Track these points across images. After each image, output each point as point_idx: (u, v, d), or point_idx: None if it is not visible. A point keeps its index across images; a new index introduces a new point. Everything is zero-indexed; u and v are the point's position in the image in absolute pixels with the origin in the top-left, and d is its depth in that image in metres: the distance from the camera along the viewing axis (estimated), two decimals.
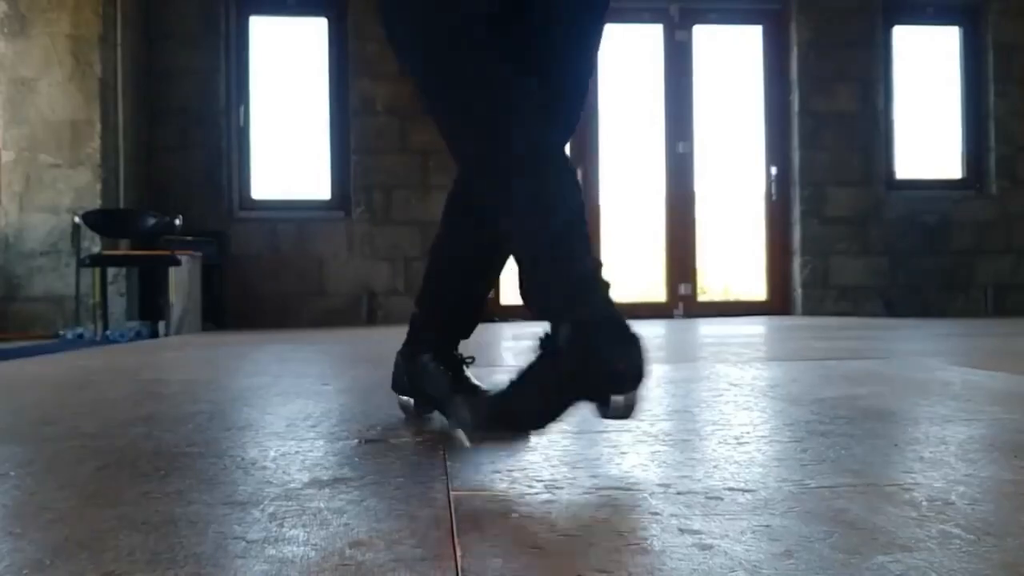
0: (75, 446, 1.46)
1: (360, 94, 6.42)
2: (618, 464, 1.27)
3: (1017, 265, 6.90)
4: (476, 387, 1.56)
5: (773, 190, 6.92)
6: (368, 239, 6.40)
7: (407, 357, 1.66)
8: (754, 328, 5.12)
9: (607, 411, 1.14)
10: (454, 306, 1.64)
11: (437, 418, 1.66)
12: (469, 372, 1.61)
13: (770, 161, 6.96)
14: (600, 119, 6.75)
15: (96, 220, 5.35)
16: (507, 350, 3.67)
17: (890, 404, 1.81)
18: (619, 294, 1.21)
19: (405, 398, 1.68)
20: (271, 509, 1.00)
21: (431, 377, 1.59)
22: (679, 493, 1.06)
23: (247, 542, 0.87)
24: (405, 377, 1.67)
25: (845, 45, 6.80)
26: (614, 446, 1.40)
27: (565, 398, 1.15)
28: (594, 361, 1.11)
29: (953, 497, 1.01)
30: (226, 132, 6.38)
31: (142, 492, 1.10)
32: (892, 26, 6.98)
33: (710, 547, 0.83)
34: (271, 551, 0.84)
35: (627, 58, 6.89)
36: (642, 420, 1.61)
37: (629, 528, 0.91)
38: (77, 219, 5.28)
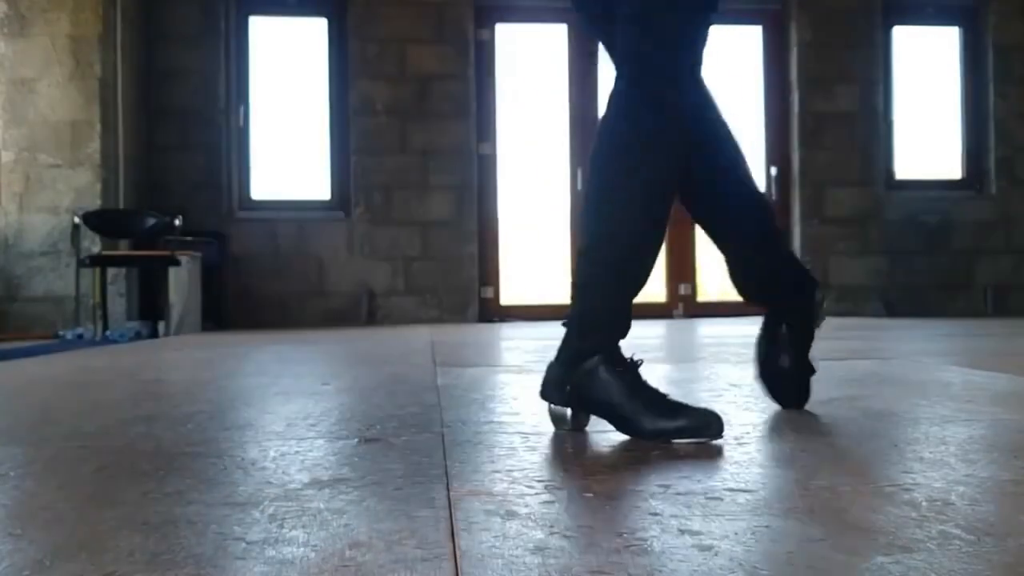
0: (75, 446, 1.46)
1: (360, 94, 6.41)
2: (618, 464, 1.27)
3: (1017, 265, 6.90)
4: (661, 394, 1.46)
5: (773, 190, 6.92)
6: (368, 239, 6.40)
7: (567, 364, 1.51)
8: (754, 328, 5.10)
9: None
10: (628, 296, 1.51)
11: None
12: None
13: (770, 161, 6.95)
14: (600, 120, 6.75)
15: (96, 220, 5.35)
16: (508, 350, 3.67)
17: (890, 404, 1.81)
18: None
19: (559, 408, 1.54)
20: (271, 510, 1.00)
21: (603, 384, 1.46)
22: (679, 494, 1.06)
23: (247, 543, 0.87)
24: (560, 385, 1.52)
25: (845, 45, 6.79)
26: (614, 446, 1.40)
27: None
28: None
29: (953, 497, 1.01)
30: (226, 132, 6.38)
31: (142, 492, 1.10)
32: (892, 26, 6.98)
33: (710, 548, 0.83)
34: (271, 552, 0.84)
35: None
36: None
37: (629, 528, 0.91)
38: (77, 219, 5.28)
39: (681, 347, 3.79)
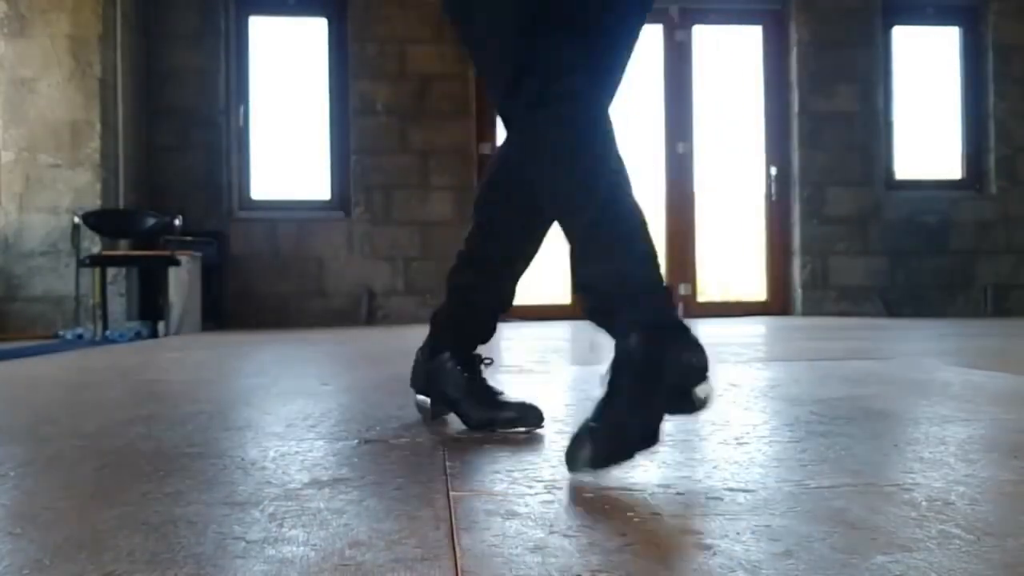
0: (75, 446, 1.46)
1: (360, 94, 6.41)
2: (618, 464, 1.27)
3: (1017, 265, 6.89)
4: (492, 391, 1.57)
5: (773, 190, 6.92)
6: (368, 239, 6.40)
7: (426, 355, 1.64)
8: (754, 328, 5.12)
9: (693, 405, 1.08)
10: (480, 306, 1.63)
11: (449, 420, 1.65)
12: (485, 374, 1.61)
13: (770, 161, 6.95)
14: None
15: (96, 220, 5.35)
16: (507, 350, 3.67)
17: (890, 404, 1.81)
18: None
19: (422, 397, 1.65)
20: (271, 509, 1.00)
21: (448, 376, 1.58)
22: (679, 493, 1.06)
23: (247, 542, 0.87)
24: (423, 375, 1.64)
25: (845, 45, 6.79)
26: None
27: (657, 408, 1.11)
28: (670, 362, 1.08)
29: (953, 497, 1.01)
30: (226, 132, 6.37)
31: (142, 492, 1.10)
32: (892, 26, 6.97)
33: (710, 547, 0.83)
34: (271, 551, 0.84)
35: None
36: None
37: (629, 528, 0.91)
38: (77, 219, 5.28)
39: None
